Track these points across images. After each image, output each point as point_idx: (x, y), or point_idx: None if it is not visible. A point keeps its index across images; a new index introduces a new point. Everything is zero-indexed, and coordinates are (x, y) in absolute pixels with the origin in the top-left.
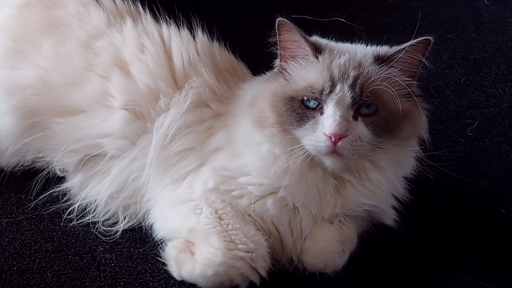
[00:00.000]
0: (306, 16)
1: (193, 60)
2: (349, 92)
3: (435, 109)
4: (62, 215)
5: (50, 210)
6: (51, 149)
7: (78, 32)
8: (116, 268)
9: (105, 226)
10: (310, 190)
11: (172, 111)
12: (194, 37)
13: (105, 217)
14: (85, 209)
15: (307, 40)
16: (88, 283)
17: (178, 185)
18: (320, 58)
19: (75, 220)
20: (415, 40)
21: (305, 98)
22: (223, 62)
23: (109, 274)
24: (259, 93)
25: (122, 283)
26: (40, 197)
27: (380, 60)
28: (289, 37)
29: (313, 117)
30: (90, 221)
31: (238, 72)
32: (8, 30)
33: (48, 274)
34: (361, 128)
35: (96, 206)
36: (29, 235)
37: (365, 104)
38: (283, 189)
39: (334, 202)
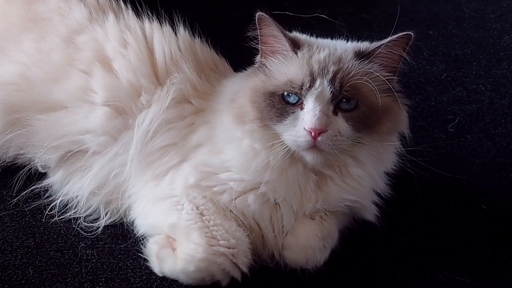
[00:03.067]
0: (287, 13)
1: (175, 56)
2: (329, 87)
3: (416, 105)
4: (44, 211)
5: (31, 207)
6: (32, 146)
7: (60, 27)
8: (98, 264)
9: (87, 222)
10: (291, 185)
11: (153, 107)
12: (176, 33)
13: (87, 213)
14: (67, 205)
15: (286, 35)
16: (69, 279)
17: (159, 181)
18: (299, 53)
19: (56, 216)
20: (396, 36)
21: (285, 93)
22: (205, 58)
23: (90, 270)
24: (240, 89)
25: (103, 279)
26: (22, 194)
27: (360, 55)
28: (269, 32)
29: (293, 112)
30: (72, 217)
31: (220, 68)
32: None
33: (30, 270)
34: (341, 123)
35: (78, 202)
36: (11, 231)
37: (345, 99)
38: (264, 185)
39: (315, 197)
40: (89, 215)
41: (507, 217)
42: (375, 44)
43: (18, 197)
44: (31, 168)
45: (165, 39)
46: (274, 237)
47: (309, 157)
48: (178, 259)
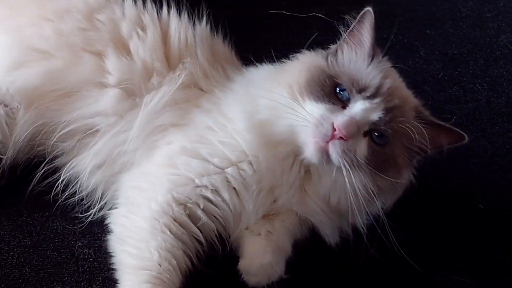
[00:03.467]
0: (284, 12)
1: (190, 42)
2: (382, 113)
3: None
4: (41, 210)
5: (28, 205)
6: (46, 135)
7: (79, 5)
8: (95, 263)
9: (82, 208)
10: (277, 165)
11: (163, 89)
12: (194, 24)
13: (86, 191)
14: (68, 185)
15: (374, 40)
16: (66, 278)
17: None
18: (374, 61)
19: (60, 196)
20: (455, 131)
21: (342, 85)
22: (223, 51)
23: (87, 269)
24: (294, 66)
25: (100, 278)
26: (19, 192)
27: (419, 115)
28: (364, 29)
29: (333, 104)
30: (70, 199)
31: (236, 65)
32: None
33: (27, 269)
34: (362, 146)
35: (79, 179)
36: (8, 230)
37: (381, 133)
38: (252, 157)
39: (292, 191)
40: (87, 198)
41: (504, 216)
42: (436, 120)
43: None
44: (30, 165)
45: (182, 26)
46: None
47: (310, 150)
48: None
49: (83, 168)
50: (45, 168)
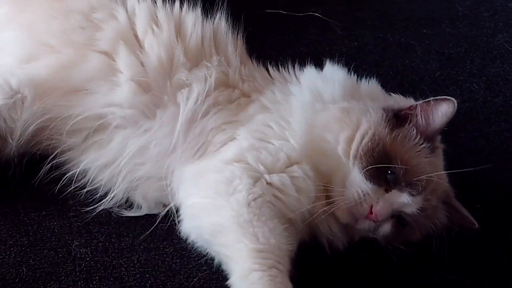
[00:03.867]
0: (281, 11)
1: (210, 38)
2: (417, 210)
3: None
4: (38, 210)
5: (25, 204)
6: (53, 133)
7: (81, 4)
8: (92, 262)
9: (86, 201)
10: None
11: (195, 87)
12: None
13: (92, 186)
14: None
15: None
16: (63, 277)
17: (209, 157)
18: (434, 155)
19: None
20: (469, 218)
21: (394, 169)
22: (241, 47)
23: (84, 269)
24: (368, 108)
25: (97, 277)
26: (17, 191)
27: (445, 201)
28: (439, 115)
29: (379, 186)
30: (74, 192)
31: (254, 62)
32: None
33: (24, 269)
34: (386, 227)
35: (87, 174)
36: (5, 230)
37: (407, 218)
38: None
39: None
40: (93, 191)
41: (501, 216)
42: (457, 205)
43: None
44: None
45: (198, 21)
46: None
47: (341, 214)
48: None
49: (93, 164)
50: (51, 163)
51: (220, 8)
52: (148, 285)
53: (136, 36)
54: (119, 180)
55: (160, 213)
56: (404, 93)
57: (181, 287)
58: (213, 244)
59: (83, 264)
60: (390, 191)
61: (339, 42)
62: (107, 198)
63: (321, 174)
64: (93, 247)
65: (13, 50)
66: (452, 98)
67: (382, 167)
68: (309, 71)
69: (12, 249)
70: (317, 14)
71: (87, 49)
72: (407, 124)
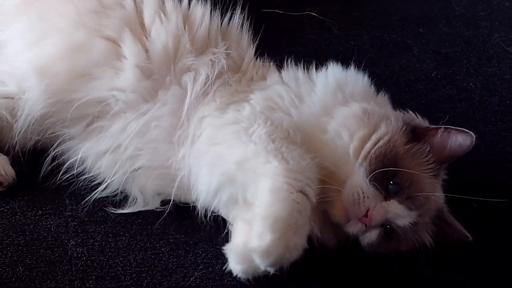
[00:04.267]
0: (277, 10)
1: (217, 29)
2: (409, 224)
3: (406, 103)
4: (34, 209)
5: (21, 203)
6: (56, 121)
7: None
8: (88, 262)
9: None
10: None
11: (202, 70)
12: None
13: (91, 173)
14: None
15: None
16: (59, 276)
17: (221, 113)
18: (438, 179)
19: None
20: (463, 232)
21: (398, 178)
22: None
23: (80, 268)
24: (389, 115)
25: (93, 276)
26: (13, 190)
27: (438, 216)
28: (456, 145)
29: (380, 192)
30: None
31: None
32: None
33: (20, 268)
34: (373, 234)
35: (85, 161)
36: (1, 229)
37: (394, 231)
38: None
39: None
40: (90, 179)
41: (498, 215)
42: (450, 220)
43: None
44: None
45: (206, 13)
46: None
47: (335, 213)
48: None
49: (92, 151)
50: (52, 154)
51: (223, 7)
52: (144, 284)
53: (142, 24)
54: (118, 167)
55: (156, 208)
56: (401, 92)
57: (177, 286)
58: (234, 183)
59: (80, 264)
60: (389, 200)
61: (336, 42)
62: (102, 185)
63: (321, 166)
64: (89, 247)
65: (21, 37)
66: (471, 133)
67: (387, 175)
68: (335, 66)
69: (8, 248)
70: (313, 14)
71: (95, 34)
72: (422, 142)
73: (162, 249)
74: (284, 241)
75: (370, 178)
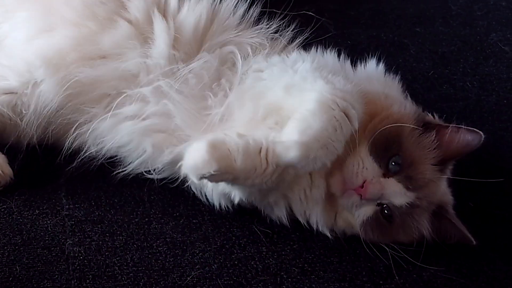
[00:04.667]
0: (274, 10)
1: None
2: (406, 204)
3: None
4: (31, 208)
5: (18, 202)
6: (78, 105)
7: None
8: (85, 261)
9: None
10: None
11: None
12: None
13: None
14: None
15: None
16: (56, 276)
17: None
18: (441, 173)
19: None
20: (467, 236)
21: (400, 162)
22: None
23: (77, 267)
24: (392, 93)
25: (90, 276)
26: (9, 190)
27: (440, 212)
28: (464, 142)
29: (379, 167)
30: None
31: None
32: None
33: (17, 267)
34: (368, 210)
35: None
36: None
37: (391, 213)
38: None
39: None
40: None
41: (494, 214)
42: (454, 220)
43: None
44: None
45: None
46: None
47: (334, 183)
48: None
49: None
50: (69, 140)
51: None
52: (141, 283)
53: (168, 3)
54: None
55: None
56: None
57: (174, 285)
58: (281, 109)
59: (77, 263)
60: (387, 178)
61: (332, 41)
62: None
63: None
64: (86, 246)
65: (25, 27)
66: (481, 132)
67: (389, 152)
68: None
69: (5, 247)
70: (310, 13)
71: (114, 18)
72: (431, 135)
73: (159, 249)
74: (307, 149)
75: (371, 151)
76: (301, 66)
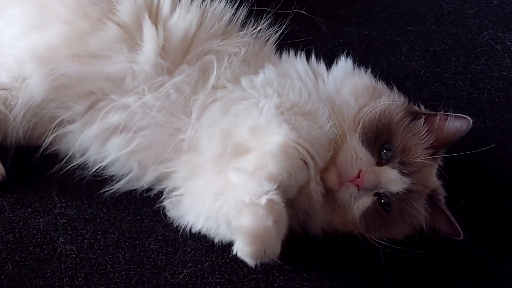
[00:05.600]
0: (266, 8)
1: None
2: (402, 190)
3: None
4: (23, 207)
5: (10, 201)
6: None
7: None
8: (77, 259)
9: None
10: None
11: (225, 54)
12: None
13: (89, 155)
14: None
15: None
16: (49, 274)
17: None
18: (433, 159)
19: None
20: (454, 226)
21: (392, 149)
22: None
23: (70, 265)
24: (392, 93)
25: (83, 274)
26: (2, 188)
27: (431, 199)
28: (453, 128)
29: (372, 156)
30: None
31: None
32: None
33: (9, 266)
34: (366, 200)
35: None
36: None
37: (389, 202)
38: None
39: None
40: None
41: (485, 212)
42: (444, 208)
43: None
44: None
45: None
46: None
47: (330, 176)
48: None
49: (93, 132)
50: (50, 138)
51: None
52: (133, 281)
53: (160, 9)
54: (122, 143)
55: (140, 188)
56: (389, 90)
57: (166, 283)
58: (248, 151)
59: (69, 261)
60: (381, 166)
61: (324, 39)
62: (103, 163)
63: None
64: (78, 244)
65: (18, 23)
66: (468, 118)
67: (380, 141)
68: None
69: None
70: (302, 12)
71: (104, 20)
72: (420, 121)
73: (151, 247)
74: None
75: (363, 141)
76: (266, 106)
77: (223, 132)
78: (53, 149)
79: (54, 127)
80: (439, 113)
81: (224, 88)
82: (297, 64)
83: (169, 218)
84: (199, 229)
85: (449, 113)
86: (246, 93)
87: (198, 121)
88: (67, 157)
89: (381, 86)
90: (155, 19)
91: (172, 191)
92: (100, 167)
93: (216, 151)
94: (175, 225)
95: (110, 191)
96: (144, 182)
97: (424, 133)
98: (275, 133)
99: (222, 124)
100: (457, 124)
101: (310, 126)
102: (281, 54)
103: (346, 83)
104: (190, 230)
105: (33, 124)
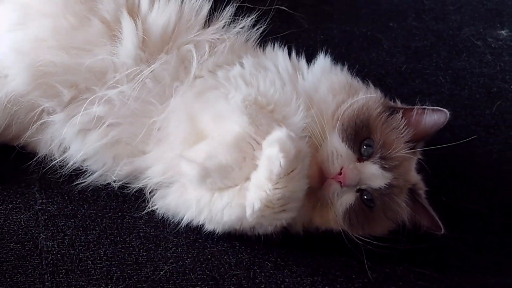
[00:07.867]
0: (247, 4)
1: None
2: (384, 186)
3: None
4: (4, 203)
5: None
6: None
7: None
8: (58, 255)
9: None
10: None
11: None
12: None
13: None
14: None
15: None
16: (30, 270)
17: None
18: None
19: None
20: (435, 220)
21: (371, 144)
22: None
23: (51, 262)
24: (369, 89)
25: (64, 270)
26: None
27: (412, 194)
28: (431, 122)
29: (353, 152)
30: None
31: None
32: None
33: None
34: (349, 197)
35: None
36: None
37: (371, 197)
38: None
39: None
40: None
41: (465, 208)
42: (425, 203)
43: None
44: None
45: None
46: None
47: (313, 173)
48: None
49: (73, 125)
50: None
51: None
52: (114, 278)
53: (139, 5)
54: (98, 135)
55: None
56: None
57: (147, 280)
58: (205, 137)
59: (50, 257)
60: (362, 161)
61: (305, 36)
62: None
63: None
64: (59, 240)
65: (3, 18)
66: (446, 110)
67: (360, 137)
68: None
69: None
70: (283, 8)
71: (89, 17)
72: (397, 115)
73: (132, 243)
74: (206, 174)
75: (343, 138)
76: (234, 98)
77: (190, 117)
78: (34, 144)
79: (36, 118)
80: (416, 107)
81: (202, 78)
82: (278, 58)
83: (157, 214)
84: (194, 217)
85: (426, 107)
86: (218, 83)
87: (172, 105)
88: (48, 151)
89: (357, 82)
90: (135, 14)
91: (156, 187)
92: (76, 161)
93: (182, 134)
94: (158, 219)
95: (83, 184)
96: (116, 175)
97: (403, 127)
98: (233, 122)
99: (191, 109)
100: (434, 117)
101: (271, 125)
102: (264, 48)
103: (323, 80)
104: (184, 221)
105: (15, 114)
